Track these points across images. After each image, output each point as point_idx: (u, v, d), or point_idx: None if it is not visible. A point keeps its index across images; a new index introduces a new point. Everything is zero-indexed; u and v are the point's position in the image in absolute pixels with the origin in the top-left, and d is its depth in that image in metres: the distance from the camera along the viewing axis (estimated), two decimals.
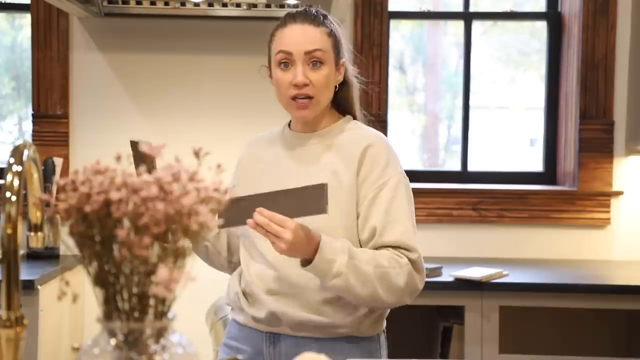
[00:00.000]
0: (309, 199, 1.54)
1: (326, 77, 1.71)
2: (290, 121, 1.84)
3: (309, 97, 1.70)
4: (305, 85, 1.69)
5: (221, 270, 1.94)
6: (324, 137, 1.77)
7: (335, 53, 1.74)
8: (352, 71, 1.83)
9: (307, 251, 1.57)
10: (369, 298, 1.63)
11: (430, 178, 3.37)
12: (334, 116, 1.81)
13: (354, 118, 1.84)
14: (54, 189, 2.88)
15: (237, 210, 1.54)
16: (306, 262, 1.59)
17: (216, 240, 1.87)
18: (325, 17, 1.74)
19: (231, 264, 1.90)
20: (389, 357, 1.88)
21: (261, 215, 1.52)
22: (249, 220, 1.53)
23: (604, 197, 3.21)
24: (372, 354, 1.76)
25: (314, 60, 1.70)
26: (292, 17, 1.72)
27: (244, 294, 1.77)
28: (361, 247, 1.70)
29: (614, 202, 3.22)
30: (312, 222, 1.58)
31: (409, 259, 1.65)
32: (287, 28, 1.71)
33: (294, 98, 1.70)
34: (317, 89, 1.70)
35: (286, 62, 1.70)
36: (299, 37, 1.69)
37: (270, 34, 1.76)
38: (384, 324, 1.81)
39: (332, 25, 1.75)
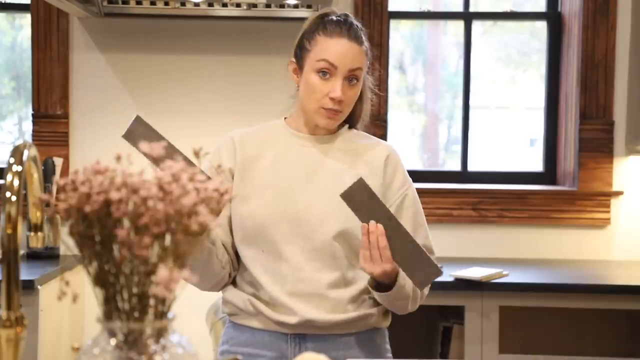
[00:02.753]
0: (420, 264, 1.64)
1: (357, 93, 1.77)
2: (284, 120, 1.85)
3: (339, 111, 1.74)
4: (341, 101, 1.72)
5: (211, 286, 1.81)
6: (336, 142, 1.81)
7: (365, 70, 1.79)
8: (368, 82, 1.85)
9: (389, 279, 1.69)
10: (409, 309, 1.81)
11: (430, 178, 3.37)
12: None
13: (351, 127, 1.87)
14: (54, 189, 2.88)
15: (364, 205, 1.60)
16: (379, 286, 1.69)
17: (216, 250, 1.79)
18: (364, 33, 1.77)
19: (226, 276, 1.81)
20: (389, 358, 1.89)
21: (381, 235, 1.60)
22: (372, 223, 1.60)
23: (604, 197, 3.21)
24: (386, 344, 1.86)
25: (352, 77, 1.73)
26: (339, 29, 1.72)
27: (259, 299, 1.75)
28: None
29: (614, 202, 3.22)
30: (346, 221, 1.68)
31: None
32: (335, 40, 1.71)
33: (326, 109, 1.72)
34: (347, 103, 1.74)
35: (325, 72, 1.71)
36: (346, 54, 1.71)
37: (309, 33, 1.74)
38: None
39: (367, 42, 1.78)
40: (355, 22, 1.76)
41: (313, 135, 1.80)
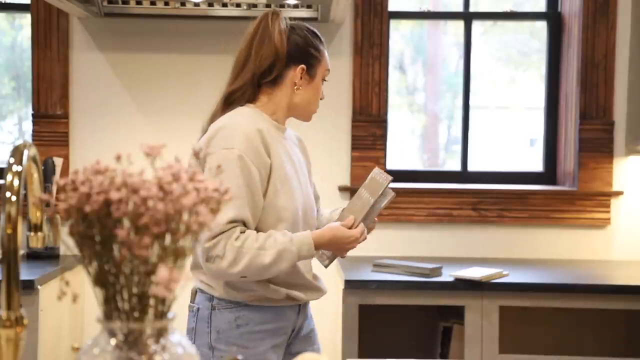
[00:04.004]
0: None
1: None
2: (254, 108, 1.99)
3: None
4: None
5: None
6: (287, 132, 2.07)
7: None
8: None
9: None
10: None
11: (430, 178, 3.37)
12: None
13: None
14: (54, 189, 2.88)
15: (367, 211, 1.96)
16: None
17: None
18: None
19: None
20: (389, 357, 1.92)
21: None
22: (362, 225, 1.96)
23: (604, 197, 3.21)
24: None
25: None
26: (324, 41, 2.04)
27: (292, 287, 1.97)
28: None
29: (614, 202, 3.22)
30: (306, 200, 1.98)
31: None
32: (326, 52, 2.02)
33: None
34: None
35: (325, 80, 2.02)
36: None
37: (317, 48, 1.99)
38: None
39: None
40: None
41: (282, 125, 2.01)
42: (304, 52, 1.95)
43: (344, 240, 1.91)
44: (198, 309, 1.93)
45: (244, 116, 1.90)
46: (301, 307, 2.01)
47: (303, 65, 1.95)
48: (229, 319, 1.90)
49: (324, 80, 2.01)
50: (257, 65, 1.92)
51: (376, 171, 1.98)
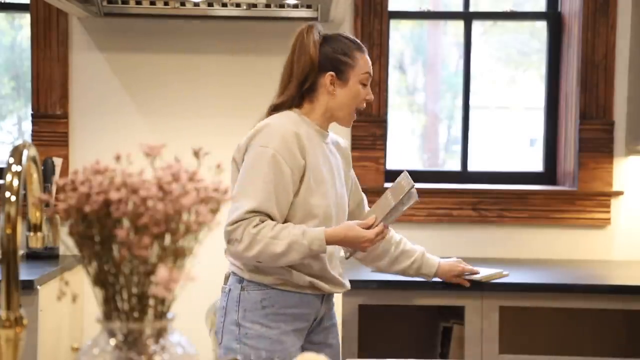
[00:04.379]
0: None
1: None
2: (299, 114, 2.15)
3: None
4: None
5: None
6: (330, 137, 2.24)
7: None
8: None
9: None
10: None
11: (430, 178, 3.37)
12: None
13: None
14: (54, 189, 2.88)
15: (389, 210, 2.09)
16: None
17: None
18: None
19: None
20: (389, 358, 1.94)
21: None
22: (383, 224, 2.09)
23: (604, 197, 3.21)
24: None
25: None
26: (362, 46, 2.19)
27: (317, 277, 2.12)
28: None
29: (614, 202, 3.22)
30: (339, 204, 2.15)
31: None
32: (365, 56, 2.17)
33: (359, 108, 2.17)
34: None
35: (365, 83, 2.15)
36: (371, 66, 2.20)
37: (348, 54, 2.14)
38: None
39: None
40: None
41: (325, 131, 2.18)
42: (333, 60, 2.12)
43: (356, 240, 2.06)
44: (230, 289, 2.12)
45: (287, 119, 2.08)
46: (324, 297, 2.17)
47: (332, 72, 2.11)
48: (255, 299, 2.08)
49: (364, 84, 2.15)
50: (298, 76, 2.12)
51: (403, 175, 2.11)
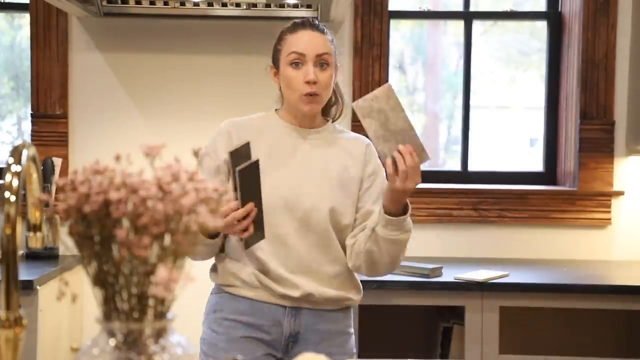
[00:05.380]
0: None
1: (330, 77, 1.97)
2: (275, 112, 2.05)
3: (316, 94, 1.94)
4: (315, 82, 1.92)
5: (207, 257, 2.03)
6: (323, 134, 2.03)
7: (334, 58, 2.00)
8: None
9: (404, 201, 1.86)
10: (396, 262, 1.96)
11: (430, 178, 3.36)
12: (321, 117, 2.07)
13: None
14: (53, 189, 2.88)
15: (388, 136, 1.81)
16: (393, 213, 1.85)
17: None
18: (327, 30, 2.03)
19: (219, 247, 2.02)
20: (389, 358, 1.92)
21: (413, 152, 1.77)
22: (401, 146, 1.78)
23: (604, 197, 3.20)
24: (351, 321, 2.09)
25: (322, 62, 1.95)
26: (302, 24, 1.98)
27: (264, 274, 1.94)
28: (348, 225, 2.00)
29: (614, 202, 3.21)
30: (334, 205, 1.94)
31: None
32: (299, 33, 1.96)
33: (305, 94, 1.93)
34: (322, 87, 1.95)
35: (297, 62, 1.94)
36: (310, 42, 1.95)
37: (279, 37, 2.01)
38: None
39: (331, 35, 2.03)
40: (315, 20, 2.02)
41: (302, 128, 2.01)
42: (273, 51, 2.03)
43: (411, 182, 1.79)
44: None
45: (247, 118, 2.06)
46: (290, 310, 1.95)
47: (271, 64, 2.03)
48: (212, 302, 2.04)
49: (294, 65, 1.93)
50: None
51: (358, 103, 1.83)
